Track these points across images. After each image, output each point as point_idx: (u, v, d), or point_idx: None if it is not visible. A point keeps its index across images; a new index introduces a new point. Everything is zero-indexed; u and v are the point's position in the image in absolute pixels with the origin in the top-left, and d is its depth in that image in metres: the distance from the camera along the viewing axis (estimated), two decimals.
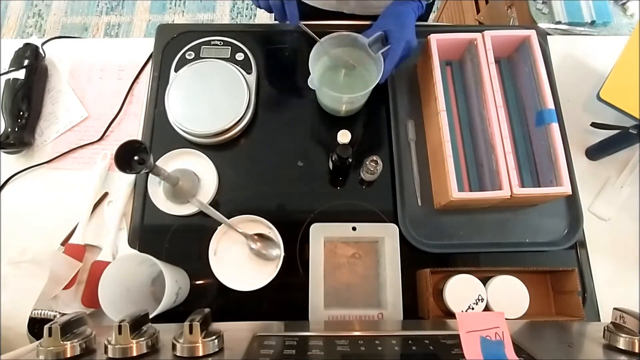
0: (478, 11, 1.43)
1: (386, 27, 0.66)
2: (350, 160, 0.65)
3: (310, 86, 0.65)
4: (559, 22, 1.08)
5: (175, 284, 0.57)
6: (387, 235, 0.65)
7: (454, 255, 0.67)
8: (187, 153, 0.70)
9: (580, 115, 0.76)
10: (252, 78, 0.74)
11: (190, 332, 0.35)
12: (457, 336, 0.36)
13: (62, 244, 0.67)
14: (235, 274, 0.61)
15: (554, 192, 0.61)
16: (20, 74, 0.73)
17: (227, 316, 0.48)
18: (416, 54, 0.72)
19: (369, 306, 0.63)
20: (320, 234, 0.64)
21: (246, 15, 1.94)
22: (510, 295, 0.59)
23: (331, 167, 0.70)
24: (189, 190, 0.66)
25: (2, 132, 0.71)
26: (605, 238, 0.70)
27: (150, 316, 0.47)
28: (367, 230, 0.65)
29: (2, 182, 0.71)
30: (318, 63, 0.69)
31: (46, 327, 0.35)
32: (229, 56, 0.75)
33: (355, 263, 0.66)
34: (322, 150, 0.73)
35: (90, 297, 0.62)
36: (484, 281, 0.59)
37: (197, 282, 0.65)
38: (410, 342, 0.40)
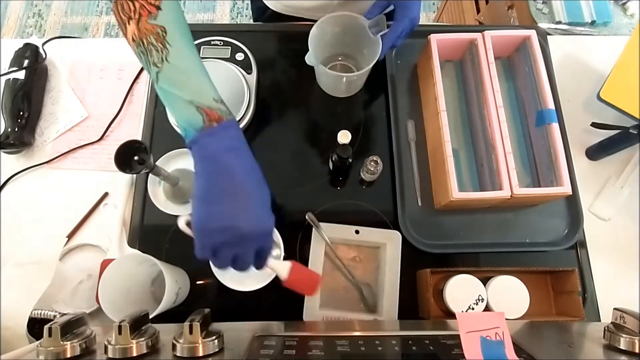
0: (478, 11, 1.43)
1: (389, 5, 0.63)
2: (350, 160, 0.65)
3: (307, 62, 0.64)
4: (559, 22, 1.08)
5: (175, 284, 0.57)
6: (390, 241, 0.64)
7: (454, 255, 0.67)
8: (187, 153, 0.70)
9: (580, 115, 0.76)
10: (252, 78, 0.74)
11: (190, 332, 0.35)
12: (457, 336, 0.36)
13: (68, 236, 0.67)
14: (235, 274, 0.60)
15: (554, 192, 0.61)
16: (20, 74, 0.73)
17: (227, 316, 0.48)
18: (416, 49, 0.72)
19: (364, 310, 0.63)
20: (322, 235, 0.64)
21: (246, 15, 1.94)
22: (510, 295, 0.59)
23: (331, 167, 0.70)
24: (189, 190, 0.66)
25: (2, 132, 0.71)
26: (605, 238, 0.69)
27: (150, 316, 0.47)
28: (369, 234, 0.65)
29: (2, 182, 0.71)
30: (319, 44, 0.68)
31: (46, 327, 0.35)
32: (229, 56, 0.75)
33: (355, 266, 0.66)
34: (322, 150, 0.73)
35: None
36: (484, 281, 0.59)
37: (197, 282, 0.65)
38: (410, 342, 0.40)
